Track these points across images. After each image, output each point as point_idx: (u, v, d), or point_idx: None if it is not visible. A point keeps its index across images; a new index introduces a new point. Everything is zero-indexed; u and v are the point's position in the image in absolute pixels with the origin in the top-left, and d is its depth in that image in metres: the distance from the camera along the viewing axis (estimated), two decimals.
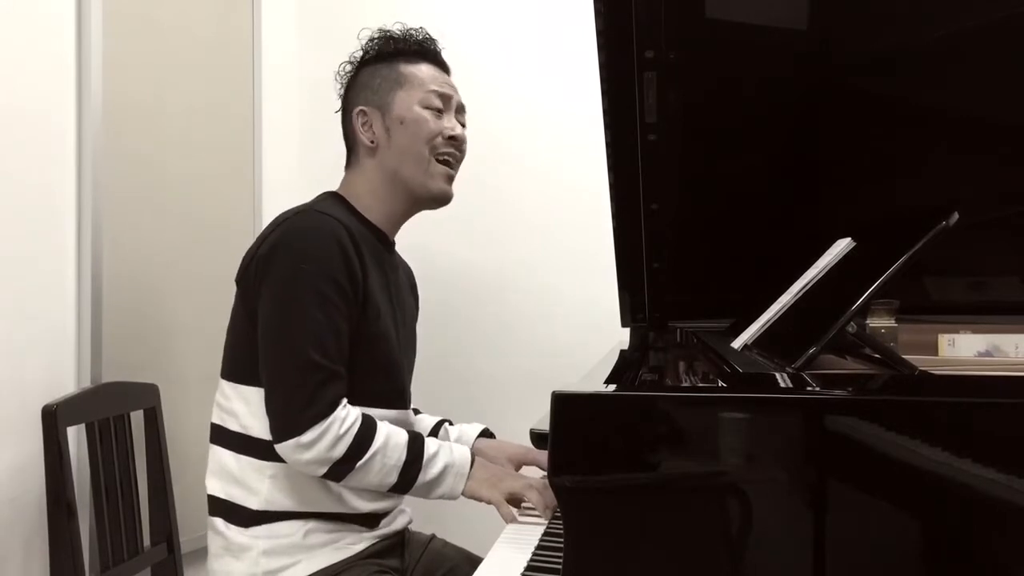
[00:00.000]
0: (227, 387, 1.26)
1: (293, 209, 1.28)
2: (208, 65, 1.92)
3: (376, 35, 1.39)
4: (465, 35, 2.11)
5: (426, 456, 1.21)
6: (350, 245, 1.21)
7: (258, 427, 1.22)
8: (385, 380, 1.29)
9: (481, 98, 2.06)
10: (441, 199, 1.37)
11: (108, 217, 1.59)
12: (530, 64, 2.12)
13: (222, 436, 1.26)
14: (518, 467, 1.38)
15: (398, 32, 1.39)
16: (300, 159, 2.23)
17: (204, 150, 1.89)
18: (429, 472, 1.21)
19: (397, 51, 1.37)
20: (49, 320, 1.49)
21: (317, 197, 1.35)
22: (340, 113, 1.41)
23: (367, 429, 1.18)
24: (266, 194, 2.10)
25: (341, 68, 1.42)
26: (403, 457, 1.20)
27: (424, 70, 1.36)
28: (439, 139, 1.33)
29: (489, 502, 1.21)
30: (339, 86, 1.42)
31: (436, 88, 1.34)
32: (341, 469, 1.17)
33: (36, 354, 1.46)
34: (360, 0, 2.21)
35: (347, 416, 1.17)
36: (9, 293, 1.40)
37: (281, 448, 1.16)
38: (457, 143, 1.36)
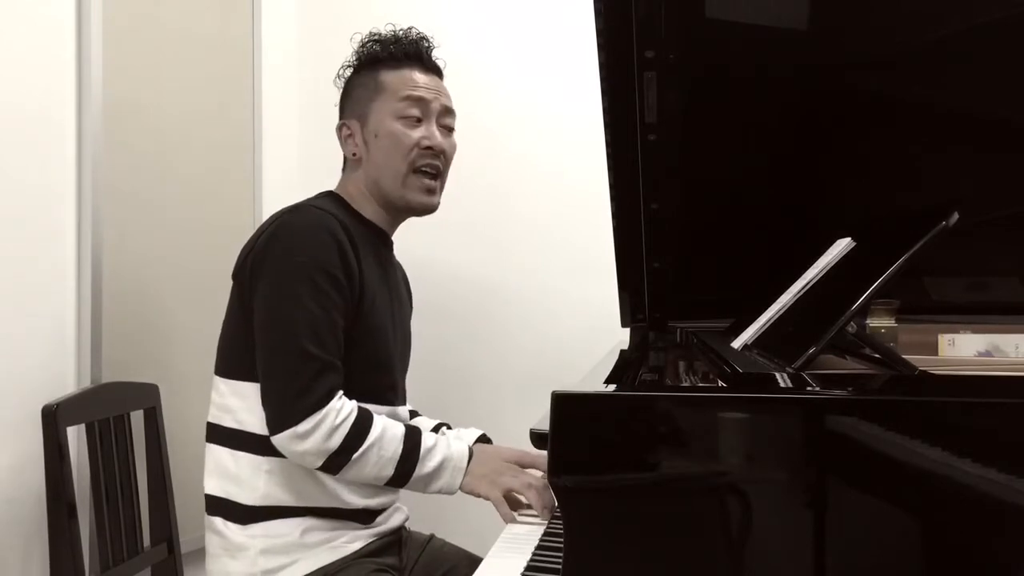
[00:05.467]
0: (222, 384, 1.26)
1: (289, 206, 1.29)
2: (208, 65, 1.92)
3: (365, 39, 1.38)
4: (464, 35, 2.11)
5: (423, 449, 1.21)
6: (345, 238, 1.22)
7: (253, 422, 1.22)
8: (377, 375, 1.29)
9: (481, 98, 2.06)
10: (421, 211, 1.37)
11: (108, 217, 1.59)
12: (530, 64, 2.11)
13: (218, 434, 1.26)
14: None
15: (385, 34, 1.37)
16: (300, 159, 2.22)
17: (204, 150, 1.89)
18: (426, 465, 1.21)
19: (379, 57, 1.35)
20: (49, 320, 1.49)
21: (315, 195, 1.36)
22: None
23: (363, 420, 1.19)
24: (266, 194, 2.10)
25: (340, 72, 1.43)
26: (399, 449, 1.20)
27: (402, 75, 1.33)
28: (415, 152, 1.31)
29: (487, 498, 1.21)
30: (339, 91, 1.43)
31: (410, 93, 1.32)
32: (337, 461, 1.17)
33: (36, 354, 1.46)
34: (360, 0, 2.21)
35: (343, 407, 1.17)
36: (9, 293, 1.40)
37: (277, 439, 1.16)
38: (434, 152, 1.33)
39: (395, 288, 1.39)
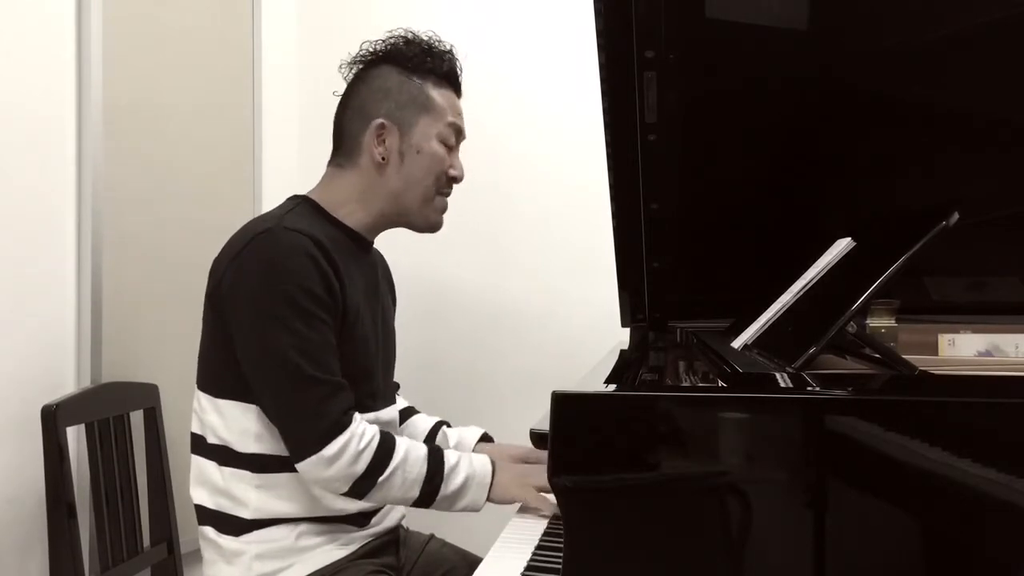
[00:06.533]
0: (203, 398, 1.24)
1: (260, 222, 1.23)
2: (208, 65, 1.92)
3: (408, 36, 1.33)
4: (465, 35, 2.10)
5: (447, 467, 1.20)
6: (321, 256, 1.18)
7: (234, 440, 1.20)
8: (357, 384, 1.26)
9: (481, 98, 2.06)
10: (432, 230, 1.36)
11: (108, 217, 1.59)
12: (530, 64, 2.11)
13: (203, 447, 1.24)
14: None
15: (428, 42, 1.33)
16: (300, 159, 2.22)
17: (204, 150, 1.89)
18: (451, 484, 1.20)
19: (428, 68, 1.32)
20: (49, 320, 1.49)
21: (284, 204, 1.30)
22: (342, 101, 1.34)
23: (386, 443, 1.18)
24: (266, 194, 2.10)
25: (356, 57, 1.34)
26: (423, 471, 1.19)
27: (449, 99, 1.33)
28: (444, 178, 1.33)
29: (523, 501, 1.19)
30: (347, 70, 1.35)
31: (455, 122, 1.33)
32: (363, 485, 1.16)
33: (36, 354, 1.46)
34: (360, 1, 2.21)
35: (365, 432, 1.16)
36: (9, 293, 1.40)
37: (302, 467, 1.14)
38: (454, 182, 1.35)
39: (377, 294, 1.37)
